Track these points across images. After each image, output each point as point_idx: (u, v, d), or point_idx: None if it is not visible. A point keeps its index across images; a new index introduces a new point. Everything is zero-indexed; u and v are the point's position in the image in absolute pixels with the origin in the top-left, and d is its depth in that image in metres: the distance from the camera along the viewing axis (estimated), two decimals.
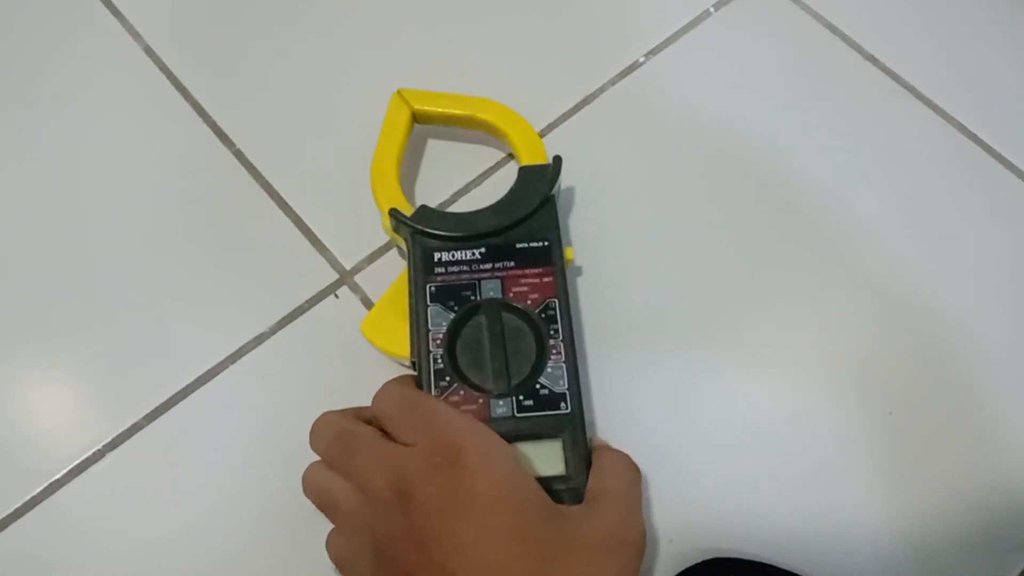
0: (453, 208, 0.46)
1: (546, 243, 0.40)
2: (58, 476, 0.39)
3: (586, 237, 0.45)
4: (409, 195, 0.45)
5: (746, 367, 0.42)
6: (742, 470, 0.40)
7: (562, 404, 0.37)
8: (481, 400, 0.37)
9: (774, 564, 0.37)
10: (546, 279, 0.40)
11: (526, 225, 0.41)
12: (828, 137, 0.48)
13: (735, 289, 0.44)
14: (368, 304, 0.43)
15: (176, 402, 0.41)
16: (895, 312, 0.43)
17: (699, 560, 0.37)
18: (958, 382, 0.42)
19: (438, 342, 0.38)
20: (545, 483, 0.35)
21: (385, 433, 0.35)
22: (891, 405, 0.41)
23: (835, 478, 0.39)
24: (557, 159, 0.42)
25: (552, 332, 0.38)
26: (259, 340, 0.42)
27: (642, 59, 0.51)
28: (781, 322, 0.43)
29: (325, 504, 0.35)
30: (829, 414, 0.41)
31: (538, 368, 0.38)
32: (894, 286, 0.44)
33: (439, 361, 0.38)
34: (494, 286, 0.39)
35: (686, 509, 0.39)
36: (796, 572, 0.37)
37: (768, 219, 0.46)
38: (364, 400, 0.39)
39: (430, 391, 0.37)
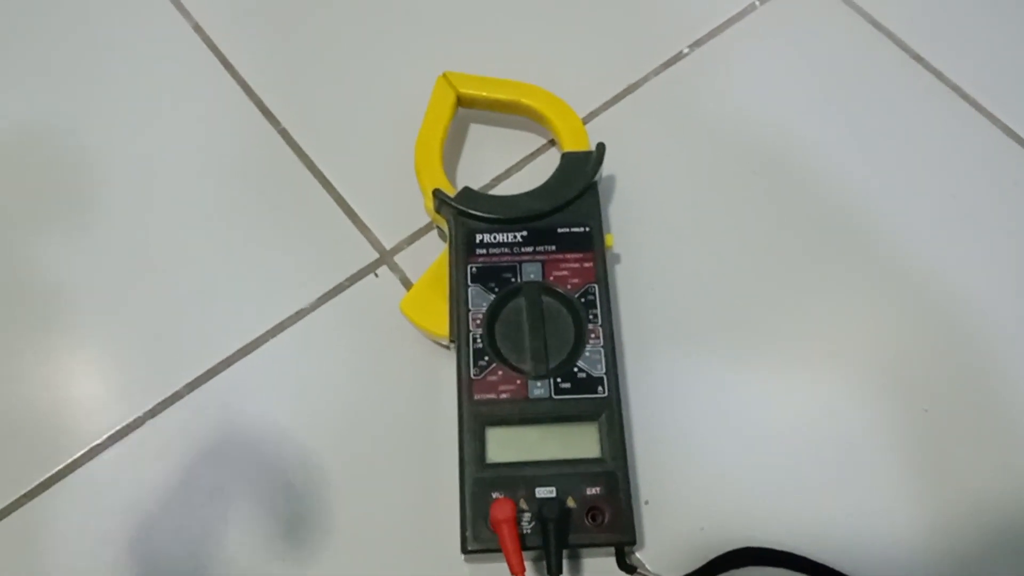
0: (494, 192, 0.46)
1: (587, 229, 0.41)
2: (98, 441, 0.40)
3: (624, 225, 0.45)
4: (451, 178, 0.45)
5: (781, 361, 0.42)
6: (774, 462, 0.40)
7: (599, 388, 0.37)
8: (519, 381, 0.37)
9: (803, 555, 0.37)
10: (587, 264, 0.40)
11: (568, 210, 0.41)
12: (869, 135, 0.48)
13: (771, 284, 0.44)
14: (407, 284, 0.44)
15: (217, 372, 0.41)
16: (934, 311, 0.43)
17: (729, 548, 0.37)
18: (996, 381, 0.41)
19: (478, 322, 0.39)
20: (580, 466, 0.35)
21: None
22: (928, 402, 0.41)
23: (868, 473, 0.39)
24: (600, 146, 0.43)
25: (591, 317, 0.39)
26: (299, 315, 0.43)
27: (686, 50, 0.51)
28: (817, 317, 0.43)
29: None
30: (864, 409, 0.41)
31: (576, 351, 0.38)
32: (933, 285, 0.44)
33: (478, 341, 0.38)
34: (535, 269, 0.40)
35: (718, 498, 0.39)
36: (825, 563, 0.37)
37: (806, 215, 0.46)
38: (397, 377, 0.40)
39: (469, 370, 0.37)
